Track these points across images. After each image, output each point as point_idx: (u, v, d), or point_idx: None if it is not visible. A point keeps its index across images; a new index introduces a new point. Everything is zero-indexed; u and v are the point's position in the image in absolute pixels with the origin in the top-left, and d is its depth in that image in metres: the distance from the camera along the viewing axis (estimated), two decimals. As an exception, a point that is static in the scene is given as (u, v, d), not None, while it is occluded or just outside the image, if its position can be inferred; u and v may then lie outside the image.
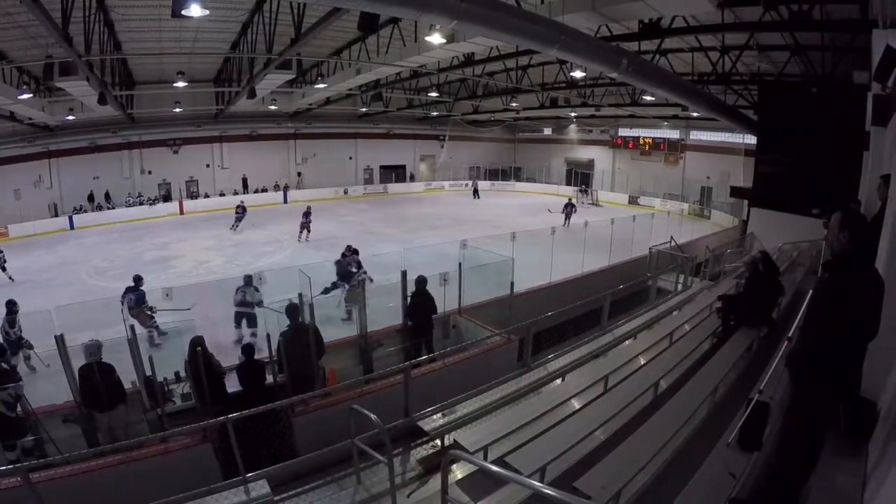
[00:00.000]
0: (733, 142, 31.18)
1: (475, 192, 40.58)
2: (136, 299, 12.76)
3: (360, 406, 5.03)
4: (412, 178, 41.47)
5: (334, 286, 13.53)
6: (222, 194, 35.53)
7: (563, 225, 25.30)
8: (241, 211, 27.04)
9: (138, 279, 13.16)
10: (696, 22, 15.22)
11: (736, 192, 25.48)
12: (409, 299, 9.79)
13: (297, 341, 7.44)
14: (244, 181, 37.00)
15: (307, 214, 24.44)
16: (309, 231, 24.36)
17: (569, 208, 27.98)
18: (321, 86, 25.24)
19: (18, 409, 7.00)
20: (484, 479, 4.68)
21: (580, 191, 38.37)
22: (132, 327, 7.36)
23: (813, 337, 3.22)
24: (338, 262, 14.45)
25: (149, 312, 12.57)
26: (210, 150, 36.07)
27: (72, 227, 28.82)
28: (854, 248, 3.13)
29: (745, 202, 22.74)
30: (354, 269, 14.32)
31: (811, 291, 3.48)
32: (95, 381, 7.03)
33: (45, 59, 16.62)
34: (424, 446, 5.92)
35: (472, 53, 20.18)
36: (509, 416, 5.69)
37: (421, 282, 9.69)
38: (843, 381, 3.15)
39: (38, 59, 17.47)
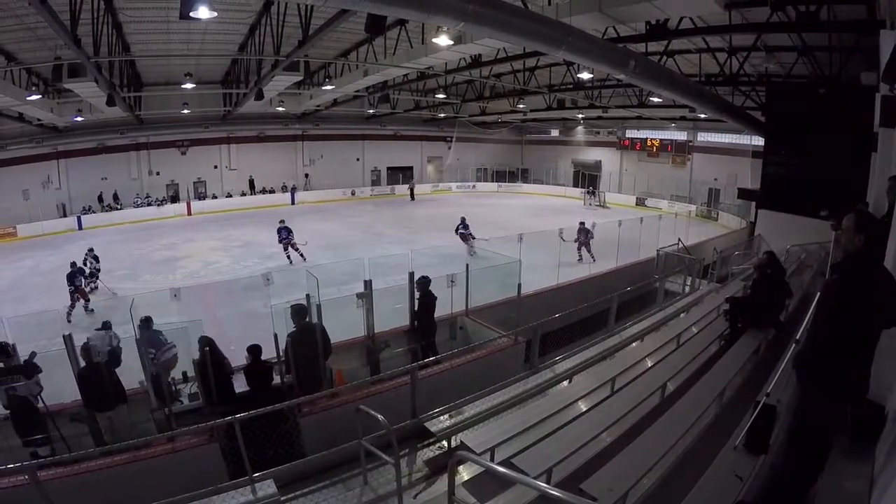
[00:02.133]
0: (741, 143, 31.08)
1: (411, 193, 40.38)
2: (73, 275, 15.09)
3: (367, 407, 5.05)
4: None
5: None
6: (229, 195, 35.79)
7: (579, 259, 19.45)
8: (285, 235, 20.12)
9: (73, 264, 15.61)
10: (703, 23, 15.18)
11: (743, 193, 25.40)
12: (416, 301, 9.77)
13: (305, 342, 7.45)
14: (251, 182, 37.14)
15: (465, 225, 21.73)
16: (473, 237, 21.20)
17: (583, 235, 19.82)
18: (328, 87, 25.28)
19: (41, 402, 7.09)
20: (490, 480, 4.68)
21: (587, 192, 38.30)
22: (139, 327, 7.39)
23: (824, 338, 3.22)
24: None
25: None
26: (218, 151, 36.25)
27: (80, 228, 29.04)
28: (869, 250, 3.13)
29: (753, 204, 22.67)
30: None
31: (821, 293, 3.48)
32: (95, 381, 7.06)
33: (53, 61, 16.73)
34: (431, 447, 5.94)
35: (480, 55, 20.19)
36: (516, 418, 5.69)
37: (423, 283, 9.70)
38: (852, 382, 3.15)
39: (46, 60, 17.57)
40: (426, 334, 9.83)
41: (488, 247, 12.10)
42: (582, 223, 20.33)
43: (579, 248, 19.91)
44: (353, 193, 39.60)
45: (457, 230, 21.63)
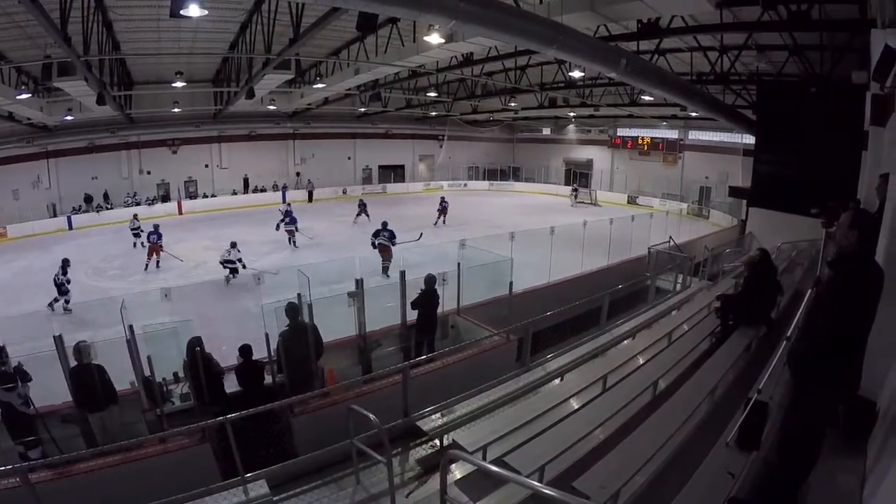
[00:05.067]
0: (732, 141, 31.21)
1: (310, 195, 38.47)
2: (157, 238, 19.43)
3: (358, 406, 5.02)
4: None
5: None
6: (213, 195, 35.53)
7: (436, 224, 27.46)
8: (287, 217, 23.26)
9: (157, 226, 19.89)
10: (694, 22, 15.21)
11: (734, 191, 25.52)
12: (421, 295, 9.71)
13: (296, 341, 7.42)
14: (245, 181, 37.00)
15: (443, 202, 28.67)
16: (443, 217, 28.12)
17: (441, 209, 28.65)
18: (320, 86, 25.23)
19: (31, 406, 7.04)
20: (483, 479, 4.67)
21: (573, 192, 38.20)
22: (130, 327, 7.35)
23: (819, 335, 3.22)
24: None
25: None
26: (209, 150, 36.01)
27: (70, 228, 28.80)
28: (862, 247, 3.14)
29: (744, 202, 22.77)
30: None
31: (817, 289, 3.48)
32: (86, 382, 7.01)
33: (43, 60, 16.60)
34: (423, 446, 5.92)
35: (471, 53, 20.19)
36: (508, 416, 5.69)
37: (430, 280, 9.65)
38: (847, 378, 3.17)
39: (36, 59, 17.44)
40: (428, 331, 9.84)
41: (480, 244, 12.05)
42: (442, 197, 29.76)
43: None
44: (344, 192, 39.42)
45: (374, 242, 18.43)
